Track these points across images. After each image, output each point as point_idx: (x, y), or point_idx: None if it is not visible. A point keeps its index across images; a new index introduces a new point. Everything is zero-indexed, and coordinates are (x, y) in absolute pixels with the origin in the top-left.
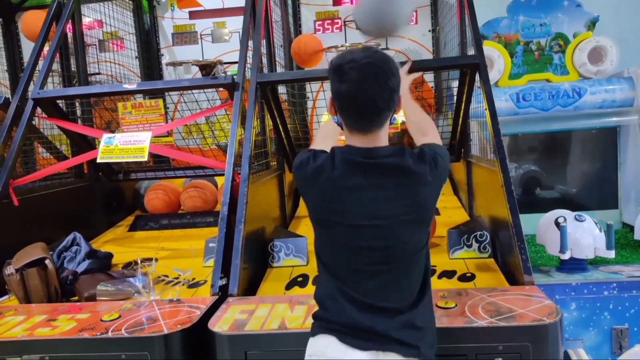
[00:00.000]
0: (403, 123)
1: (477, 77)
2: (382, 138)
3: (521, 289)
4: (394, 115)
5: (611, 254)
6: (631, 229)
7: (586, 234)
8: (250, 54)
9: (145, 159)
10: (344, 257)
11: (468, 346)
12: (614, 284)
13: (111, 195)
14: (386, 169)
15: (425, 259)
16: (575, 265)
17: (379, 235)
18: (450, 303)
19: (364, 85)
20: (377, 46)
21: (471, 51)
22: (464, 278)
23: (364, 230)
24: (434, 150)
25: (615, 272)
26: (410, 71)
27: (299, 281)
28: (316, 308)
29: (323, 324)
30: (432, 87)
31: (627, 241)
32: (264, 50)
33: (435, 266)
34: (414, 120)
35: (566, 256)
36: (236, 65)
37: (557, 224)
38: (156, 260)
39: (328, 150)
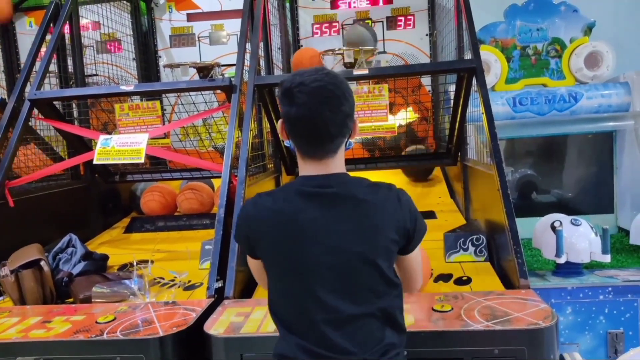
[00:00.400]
0: (400, 126)
1: (474, 81)
2: (337, 164)
3: (517, 292)
4: (350, 140)
5: (607, 258)
6: (627, 233)
7: (582, 238)
8: (248, 56)
9: (142, 160)
10: (303, 305)
11: (464, 350)
12: (610, 288)
13: (107, 197)
14: (338, 199)
15: (397, 300)
16: (571, 269)
17: (334, 275)
18: (447, 306)
19: (314, 109)
20: (374, 50)
21: (468, 55)
22: (460, 281)
23: (319, 270)
24: (404, 194)
25: (611, 276)
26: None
27: None
28: None
29: None
30: (429, 91)
31: (623, 246)
32: (261, 52)
33: (432, 269)
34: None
35: (562, 260)
36: (234, 67)
37: (553, 228)
38: (152, 262)
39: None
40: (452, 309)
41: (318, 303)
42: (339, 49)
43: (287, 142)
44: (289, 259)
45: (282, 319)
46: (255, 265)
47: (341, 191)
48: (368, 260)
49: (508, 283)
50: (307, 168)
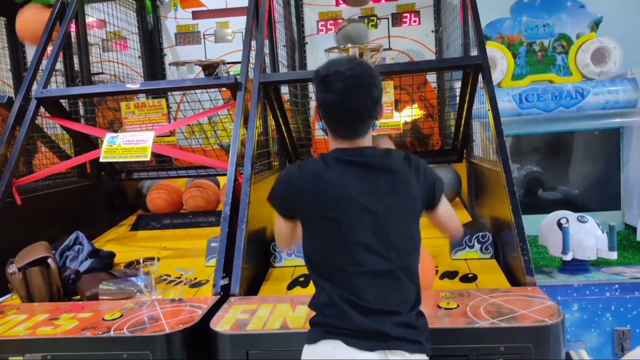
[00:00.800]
0: (405, 123)
1: (480, 77)
2: (366, 142)
3: (523, 289)
4: (376, 122)
5: (613, 255)
6: (634, 230)
7: (588, 235)
8: (253, 54)
9: (148, 158)
10: (340, 257)
11: (470, 347)
12: (616, 286)
13: (113, 195)
14: (375, 166)
15: (418, 258)
16: (577, 266)
17: (372, 231)
18: (452, 304)
19: (348, 96)
20: (379, 47)
21: (474, 52)
22: (465, 279)
23: (358, 226)
24: (418, 160)
25: (618, 273)
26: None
27: (301, 281)
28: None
29: (325, 329)
30: (434, 88)
31: (630, 242)
32: (266, 50)
33: (437, 267)
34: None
35: (568, 257)
36: (239, 65)
37: (559, 225)
38: (158, 259)
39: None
40: (458, 306)
41: (353, 257)
42: (344, 46)
43: (319, 124)
44: (329, 218)
45: (322, 273)
46: (285, 227)
47: (374, 160)
48: (401, 220)
49: (514, 280)
50: (339, 145)
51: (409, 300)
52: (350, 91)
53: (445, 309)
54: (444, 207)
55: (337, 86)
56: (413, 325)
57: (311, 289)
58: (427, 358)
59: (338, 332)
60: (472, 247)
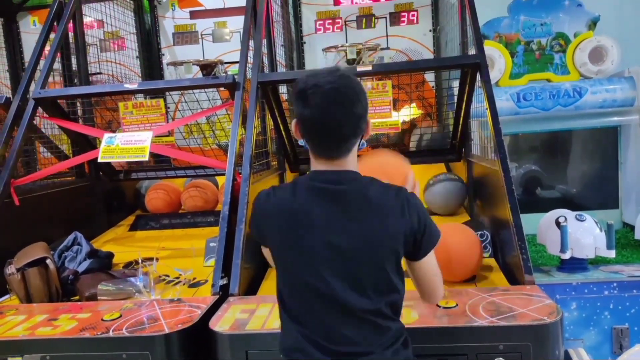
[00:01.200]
0: (404, 123)
1: (478, 76)
2: (349, 164)
3: (522, 288)
4: (362, 140)
5: (612, 254)
6: (632, 228)
7: (587, 234)
8: (251, 53)
9: (146, 158)
10: (307, 298)
11: (469, 345)
12: (615, 284)
13: (112, 195)
14: (348, 196)
15: (400, 297)
16: (575, 265)
17: (343, 269)
18: (451, 302)
19: (328, 111)
20: (377, 46)
21: (472, 51)
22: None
23: (327, 264)
24: (414, 197)
25: (616, 271)
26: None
27: None
28: None
29: None
30: (432, 87)
31: (628, 241)
32: (264, 50)
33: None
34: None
35: (567, 256)
36: (237, 65)
37: (557, 223)
38: (157, 259)
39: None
40: (457, 305)
41: (321, 296)
42: (342, 46)
43: (300, 142)
44: (294, 252)
45: (288, 310)
46: (267, 253)
47: (350, 189)
48: (372, 260)
49: (513, 279)
50: (319, 166)
51: (385, 340)
52: (330, 106)
53: (444, 307)
54: (428, 264)
55: (315, 100)
56: None
57: None
58: None
59: None
60: None
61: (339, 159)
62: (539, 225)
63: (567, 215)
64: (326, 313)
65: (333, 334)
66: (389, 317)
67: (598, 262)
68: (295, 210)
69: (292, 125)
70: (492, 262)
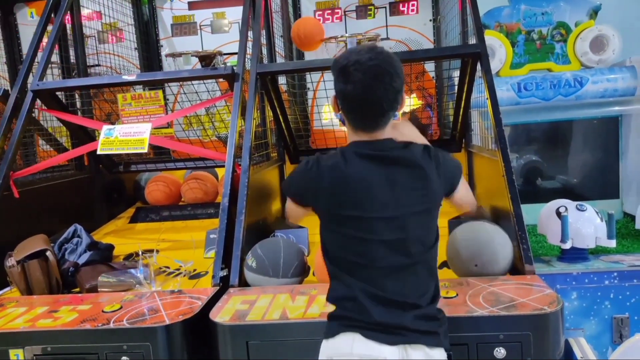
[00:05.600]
0: (404, 113)
1: (479, 66)
2: (385, 134)
3: (522, 278)
4: (396, 113)
5: (612, 244)
6: (632, 218)
7: (587, 224)
8: (250, 44)
9: (146, 150)
10: (359, 252)
11: (469, 335)
12: (615, 274)
13: (112, 187)
14: (395, 161)
15: (436, 251)
16: (576, 254)
17: (393, 227)
18: (452, 292)
19: (369, 87)
20: (377, 37)
21: (472, 40)
22: None
23: (379, 223)
24: (437, 151)
25: (616, 261)
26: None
27: None
28: (324, 298)
29: (344, 322)
30: (433, 77)
31: (628, 231)
32: (263, 40)
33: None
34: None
35: (567, 246)
36: (236, 56)
37: (558, 213)
38: (157, 251)
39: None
40: (457, 295)
41: (375, 254)
42: (341, 36)
43: (337, 115)
44: (348, 216)
45: (341, 267)
46: (298, 210)
47: (394, 155)
48: (421, 215)
49: (513, 269)
50: (357, 137)
51: (428, 294)
52: (372, 82)
53: (445, 297)
54: (462, 191)
55: (357, 77)
56: (432, 318)
57: (311, 279)
58: (445, 353)
59: (357, 325)
60: None
61: (377, 131)
62: (540, 215)
63: (567, 205)
64: (378, 269)
65: (384, 286)
66: (430, 272)
67: (598, 251)
68: (350, 175)
69: (331, 99)
70: None
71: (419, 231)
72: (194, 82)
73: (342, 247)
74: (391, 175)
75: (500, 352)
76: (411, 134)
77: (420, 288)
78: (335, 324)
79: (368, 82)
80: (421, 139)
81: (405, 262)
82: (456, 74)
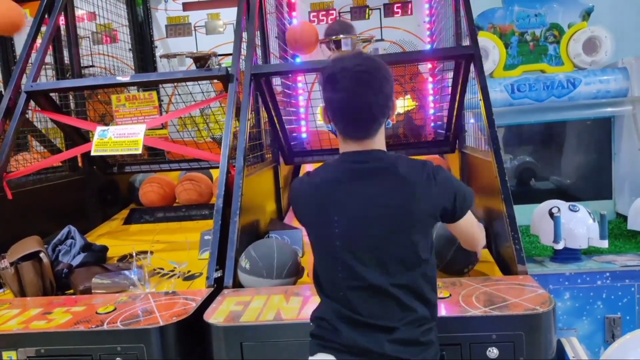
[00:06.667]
0: (398, 115)
1: (472, 67)
2: (377, 143)
3: (515, 278)
4: (388, 120)
5: (604, 244)
6: (625, 219)
7: (580, 224)
8: (244, 45)
9: (140, 151)
10: (335, 271)
11: (462, 335)
12: (607, 274)
13: (106, 189)
14: (377, 173)
15: (427, 274)
16: (569, 255)
17: (368, 246)
18: (445, 293)
19: (357, 93)
20: (371, 38)
21: (466, 42)
22: None
23: (358, 242)
24: (441, 169)
25: (609, 261)
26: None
27: None
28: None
29: (320, 342)
30: (427, 78)
31: (621, 231)
32: (258, 41)
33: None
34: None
35: (560, 246)
36: (230, 57)
37: (551, 214)
38: (151, 253)
39: None
40: (450, 295)
41: (349, 272)
42: (336, 37)
43: (328, 126)
44: (324, 228)
45: (320, 285)
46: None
47: (379, 166)
48: (402, 234)
49: (506, 269)
50: (348, 148)
51: (411, 317)
52: (359, 88)
53: (438, 298)
54: (466, 222)
55: (344, 84)
56: (413, 343)
57: (305, 281)
58: None
59: (331, 346)
60: None
61: (368, 140)
62: (533, 216)
63: (560, 206)
64: (354, 289)
65: (359, 307)
66: (415, 294)
67: (591, 252)
68: (326, 189)
69: (320, 110)
70: (485, 252)
71: (397, 251)
72: (188, 83)
73: (320, 265)
74: (374, 190)
75: (492, 352)
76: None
77: (400, 311)
78: (314, 343)
79: (356, 89)
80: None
81: (382, 283)
82: (450, 75)
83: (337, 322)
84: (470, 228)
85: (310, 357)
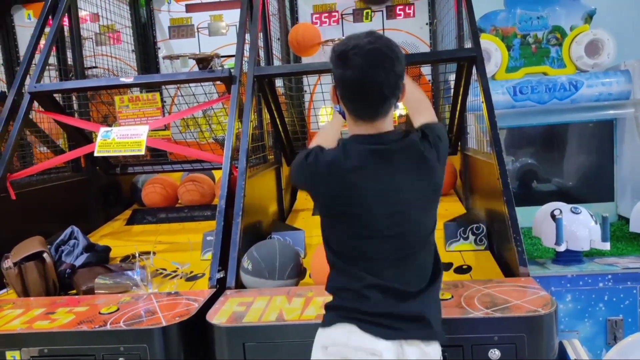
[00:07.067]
0: (400, 116)
1: (474, 70)
2: (387, 125)
3: (517, 280)
4: (398, 103)
5: (606, 246)
6: (627, 221)
7: (582, 227)
8: (247, 47)
9: (143, 152)
10: (362, 246)
11: (464, 337)
12: (609, 276)
13: (109, 189)
14: (397, 154)
15: (434, 238)
16: (570, 257)
17: (396, 222)
18: (447, 295)
19: (369, 71)
20: None
21: (468, 44)
22: (460, 270)
23: (382, 218)
24: (434, 131)
25: (611, 264)
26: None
27: None
28: (320, 300)
29: (341, 312)
30: (429, 80)
31: (623, 233)
32: (261, 43)
33: None
34: (412, 99)
35: (562, 248)
36: (233, 58)
37: (553, 216)
38: (154, 253)
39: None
40: (452, 297)
41: (376, 247)
42: (339, 39)
43: (336, 107)
44: (348, 212)
45: (342, 258)
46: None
47: (396, 147)
48: (423, 206)
49: (508, 271)
50: (358, 129)
51: (427, 279)
52: (372, 66)
53: (440, 300)
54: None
55: (356, 61)
56: (431, 308)
57: (307, 282)
58: (439, 347)
59: (354, 316)
60: (466, 238)
61: (378, 120)
62: (535, 218)
63: (562, 208)
64: (378, 259)
65: (384, 274)
66: (430, 253)
67: (593, 254)
68: (348, 170)
69: (330, 90)
70: (487, 254)
71: (420, 222)
72: (191, 84)
73: (341, 241)
74: (391, 169)
75: (494, 353)
76: (417, 96)
77: (419, 276)
78: (333, 314)
79: (368, 67)
80: (426, 102)
81: (406, 253)
82: (452, 77)
83: (365, 290)
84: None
85: (325, 328)
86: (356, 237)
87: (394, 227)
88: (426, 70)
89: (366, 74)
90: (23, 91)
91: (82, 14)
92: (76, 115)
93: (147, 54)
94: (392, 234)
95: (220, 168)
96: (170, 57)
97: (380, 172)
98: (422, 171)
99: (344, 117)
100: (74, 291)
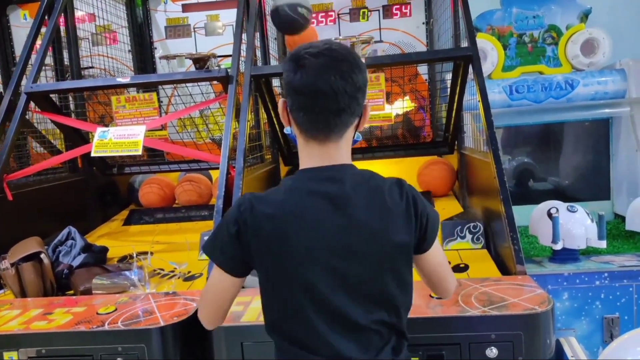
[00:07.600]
0: (397, 116)
1: (471, 69)
2: (343, 152)
3: (514, 278)
4: (357, 132)
5: (603, 244)
6: (623, 219)
7: (578, 225)
8: (244, 46)
9: (140, 152)
10: (309, 317)
11: (461, 335)
12: (606, 274)
13: (105, 190)
14: (353, 198)
15: (408, 308)
16: (567, 255)
17: (349, 285)
18: None
19: (324, 74)
20: (370, 39)
21: (465, 43)
22: (457, 269)
23: (331, 282)
24: (414, 189)
25: (607, 262)
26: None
27: None
28: None
29: None
30: (425, 80)
31: (619, 232)
32: (257, 43)
33: None
34: (438, 260)
35: (558, 246)
36: (230, 58)
37: (549, 214)
38: (151, 253)
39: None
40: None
41: (326, 313)
42: (335, 39)
43: (287, 130)
44: (293, 267)
45: (287, 334)
46: (225, 284)
47: (352, 192)
48: (383, 265)
49: (505, 270)
50: (309, 155)
51: (391, 346)
52: (326, 68)
53: (437, 298)
54: (435, 253)
55: (309, 62)
56: None
57: None
58: None
59: None
60: (463, 237)
61: (331, 140)
62: (531, 216)
63: (558, 206)
64: (330, 331)
65: (336, 350)
66: (394, 330)
67: (589, 252)
68: (288, 222)
69: (280, 106)
70: (484, 253)
71: (379, 288)
72: (188, 84)
73: (285, 312)
74: (345, 218)
75: (492, 351)
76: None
77: (378, 346)
78: None
79: (321, 68)
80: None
81: (362, 323)
82: (449, 76)
83: None
84: (440, 259)
85: None
86: (298, 303)
87: (346, 294)
88: (423, 69)
89: (319, 76)
90: (19, 91)
91: (78, 14)
92: (73, 115)
93: (143, 54)
94: (343, 302)
95: (217, 168)
96: (167, 57)
97: (329, 224)
98: (382, 223)
99: (295, 143)
100: (72, 292)
